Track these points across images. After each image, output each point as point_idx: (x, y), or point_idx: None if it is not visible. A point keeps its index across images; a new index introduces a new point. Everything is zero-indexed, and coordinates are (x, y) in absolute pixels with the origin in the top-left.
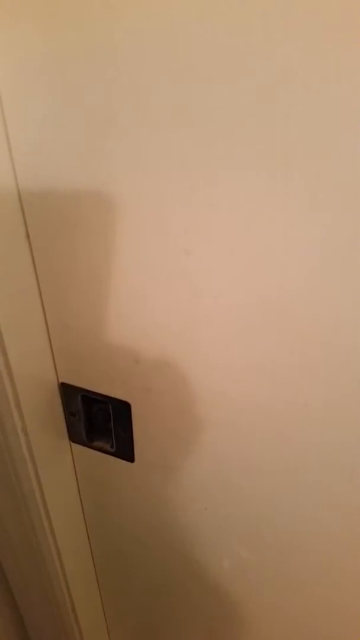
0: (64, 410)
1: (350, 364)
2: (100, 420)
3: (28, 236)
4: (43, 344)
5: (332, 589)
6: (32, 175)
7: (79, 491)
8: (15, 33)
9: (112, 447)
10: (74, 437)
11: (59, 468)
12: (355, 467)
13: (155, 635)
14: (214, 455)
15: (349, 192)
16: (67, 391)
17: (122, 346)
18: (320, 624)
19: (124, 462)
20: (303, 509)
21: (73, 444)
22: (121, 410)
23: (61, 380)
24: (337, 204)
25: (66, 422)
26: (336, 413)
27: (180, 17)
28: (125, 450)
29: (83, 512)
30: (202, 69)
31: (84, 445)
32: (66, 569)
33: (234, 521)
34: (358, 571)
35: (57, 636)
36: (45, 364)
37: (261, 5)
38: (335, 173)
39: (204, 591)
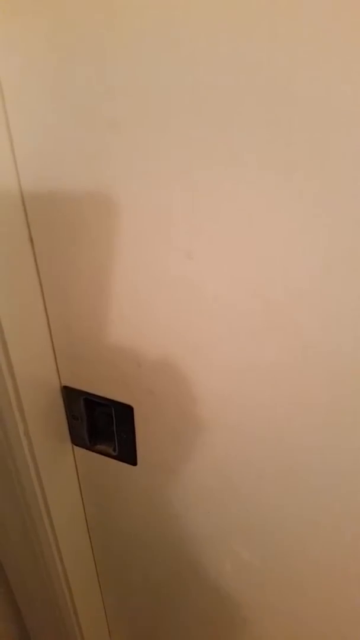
0: (67, 414)
1: (352, 367)
2: (102, 424)
3: (31, 239)
4: (45, 347)
5: (334, 591)
6: (35, 178)
7: (81, 494)
8: (19, 36)
9: (114, 450)
10: (76, 440)
11: (61, 471)
12: (357, 470)
13: (157, 638)
14: (217, 458)
15: (353, 194)
16: (70, 394)
17: (125, 349)
18: (321, 627)
19: (126, 466)
20: (305, 511)
21: (75, 447)
22: (124, 414)
23: (64, 383)
24: (341, 206)
25: (68, 426)
26: (338, 416)
27: (182, 20)
28: (127, 454)
29: (85, 515)
30: (205, 72)
31: (87, 448)
32: (68, 572)
33: (236, 524)
34: (359, 573)
35: (58, 638)
36: (47, 367)
37: (265, 6)
38: (339, 175)
39: (206, 594)
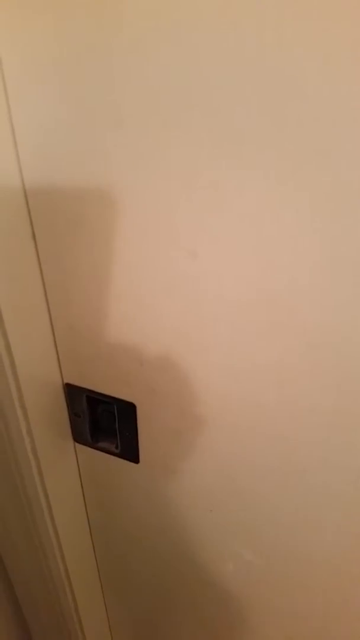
0: (69, 411)
1: (358, 366)
2: (104, 421)
3: (34, 237)
4: (48, 344)
5: (336, 591)
6: (38, 176)
7: (82, 492)
8: (23, 35)
9: (116, 447)
10: (78, 437)
11: (63, 469)
12: None
13: (159, 637)
14: (219, 457)
15: (358, 191)
16: (72, 392)
17: (127, 347)
18: (323, 627)
19: (128, 463)
20: (308, 511)
21: (77, 445)
22: (126, 411)
23: (66, 380)
24: (346, 204)
25: (71, 423)
26: (342, 417)
27: (187, 18)
28: (129, 451)
29: (87, 513)
30: (209, 71)
31: (89, 445)
32: (69, 570)
33: (239, 523)
34: None
35: (60, 638)
36: (50, 364)
37: (271, 6)
38: (343, 173)
39: (208, 593)
